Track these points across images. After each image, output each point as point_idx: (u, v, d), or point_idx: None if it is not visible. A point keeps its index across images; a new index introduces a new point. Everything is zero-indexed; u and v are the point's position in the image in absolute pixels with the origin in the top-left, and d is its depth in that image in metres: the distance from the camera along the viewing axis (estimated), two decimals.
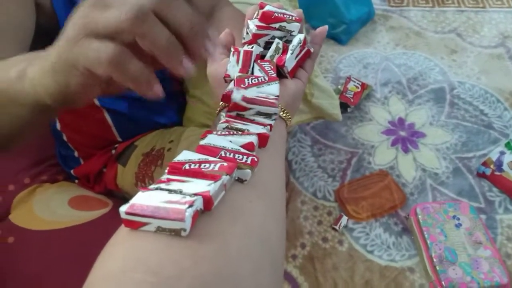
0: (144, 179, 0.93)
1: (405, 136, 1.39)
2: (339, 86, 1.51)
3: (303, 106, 1.08)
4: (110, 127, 0.94)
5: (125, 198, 1.01)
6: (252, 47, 0.50)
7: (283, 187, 0.43)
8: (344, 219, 1.17)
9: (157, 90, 0.35)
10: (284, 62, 0.48)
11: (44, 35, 0.63)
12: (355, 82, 1.51)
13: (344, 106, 1.43)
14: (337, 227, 1.16)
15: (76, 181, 1.03)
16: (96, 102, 0.87)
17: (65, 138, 0.96)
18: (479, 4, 1.88)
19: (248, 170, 0.34)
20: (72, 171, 1.01)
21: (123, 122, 0.94)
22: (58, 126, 0.95)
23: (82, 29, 0.32)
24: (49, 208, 0.92)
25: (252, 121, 0.41)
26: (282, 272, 0.36)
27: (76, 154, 0.99)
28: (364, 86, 1.50)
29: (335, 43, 1.73)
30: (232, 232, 0.30)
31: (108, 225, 0.91)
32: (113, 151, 0.98)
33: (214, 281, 0.27)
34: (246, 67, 0.47)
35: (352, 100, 1.46)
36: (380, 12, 1.86)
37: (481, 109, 1.45)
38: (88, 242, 0.87)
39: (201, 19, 0.34)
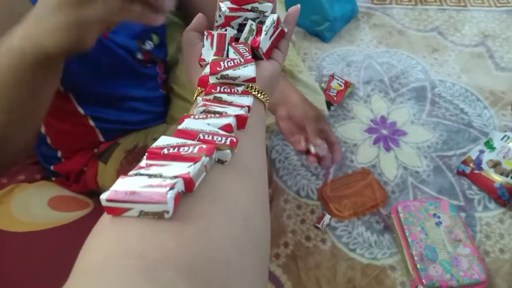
0: None
1: (386, 135, 1.40)
2: (323, 84, 1.51)
3: None
4: (95, 130, 0.92)
5: None
6: (226, 29, 0.49)
7: (265, 167, 0.43)
8: (327, 218, 1.17)
9: (160, 19, 0.44)
10: (259, 44, 0.48)
11: None
12: (338, 80, 1.51)
13: (327, 104, 1.43)
14: (320, 226, 1.16)
15: (54, 178, 1.01)
16: (82, 112, 0.86)
17: (48, 141, 0.95)
18: (461, 2, 1.90)
19: (228, 151, 0.34)
20: (52, 167, 0.99)
21: (110, 129, 0.93)
22: (43, 129, 0.93)
23: None
24: (28, 209, 0.90)
25: (230, 104, 0.41)
26: (268, 253, 0.37)
27: (59, 154, 0.97)
28: (347, 84, 1.50)
29: (318, 40, 1.73)
30: (214, 212, 0.31)
31: (89, 226, 0.89)
32: (96, 150, 0.97)
33: (199, 261, 0.27)
34: (220, 50, 0.47)
35: (335, 98, 1.46)
36: (364, 9, 1.87)
37: (461, 107, 1.47)
38: (69, 244, 0.85)
39: None
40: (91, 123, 0.90)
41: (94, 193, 1.01)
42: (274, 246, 1.14)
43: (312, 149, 0.93)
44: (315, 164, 0.98)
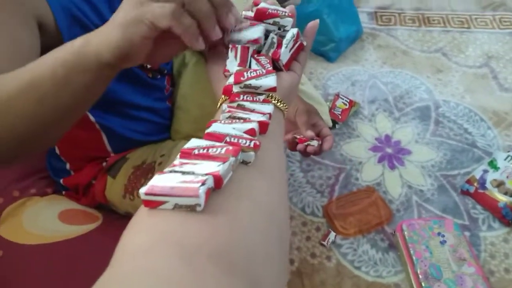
0: (133, 192, 0.94)
1: (391, 153, 1.41)
2: (328, 103, 1.54)
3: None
4: (103, 142, 0.94)
5: (114, 211, 1.02)
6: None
7: (284, 168, 0.46)
8: (332, 235, 1.18)
9: (201, 42, 0.46)
10: (279, 56, 0.51)
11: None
12: (343, 99, 1.53)
13: (332, 123, 1.45)
14: (325, 243, 1.17)
15: (64, 192, 1.03)
16: (92, 118, 0.88)
17: (57, 151, 0.97)
18: (464, 24, 1.93)
19: (252, 153, 0.38)
20: (61, 181, 1.00)
21: (117, 138, 0.95)
22: None
23: None
24: (38, 222, 0.92)
25: (253, 111, 0.44)
26: (288, 246, 0.40)
27: (67, 166, 0.99)
28: (352, 103, 1.53)
29: (324, 60, 1.77)
30: (241, 206, 0.34)
31: (98, 239, 0.91)
32: (104, 164, 0.99)
33: (229, 249, 0.29)
34: (244, 62, 0.50)
35: (340, 117, 1.48)
36: (368, 30, 1.90)
37: (465, 127, 1.49)
38: (78, 256, 0.87)
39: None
40: (99, 129, 0.91)
41: (103, 206, 1.02)
42: None
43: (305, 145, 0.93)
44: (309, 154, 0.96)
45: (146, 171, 0.94)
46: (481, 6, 2.02)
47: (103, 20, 0.76)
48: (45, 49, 0.66)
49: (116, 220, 0.98)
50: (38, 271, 0.83)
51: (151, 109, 0.97)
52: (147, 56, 0.48)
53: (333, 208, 1.24)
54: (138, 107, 0.93)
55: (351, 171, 1.36)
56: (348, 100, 1.53)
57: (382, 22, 1.96)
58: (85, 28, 0.73)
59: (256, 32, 0.50)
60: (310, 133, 0.93)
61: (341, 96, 1.55)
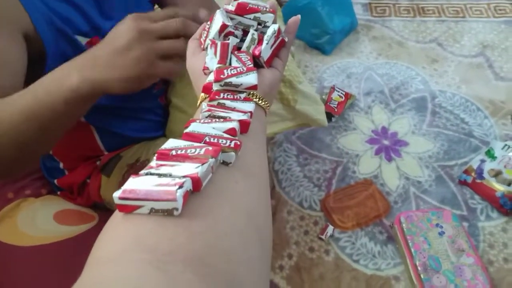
0: None
1: (388, 145, 1.41)
2: (323, 96, 1.53)
3: (287, 113, 1.09)
4: (96, 141, 0.93)
5: (110, 209, 1.01)
6: (229, 39, 0.51)
7: (266, 169, 0.45)
8: (330, 229, 1.18)
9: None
10: (260, 53, 0.50)
11: (30, 64, 0.66)
12: (339, 91, 1.53)
13: (328, 116, 1.44)
14: (323, 237, 1.17)
15: (59, 192, 1.02)
16: (82, 119, 0.87)
17: (50, 151, 0.96)
18: (459, 14, 1.92)
19: (232, 153, 0.36)
20: (55, 181, 1.00)
21: (109, 136, 0.94)
22: None
23: (150, 51, 0.56)
24: (34, 223, 0.91)
25: (233, 109, 0.43)
26: (270, 249, 0.39)
27: (61, 165, 0.98)
28: (347, 95, 1.52)
29: (319, 53, 1.76)
30: (220, 209, 0.33)
31: (94, 239, 0.90)
32: (98, 162, 0.98)
33: (207, 254, 0.28)
34: (224, 59, 0.49)
35: (336, 110, 1.47)
36: (363, 22, 1.89)
37: (462, 117, 1.48)
38: (74, 257, 0.86)
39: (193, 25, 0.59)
40: (91, 128, 0.91)
41: (98, 206, 1.02)
42: (278, 258, 1.14)
43: None
44: None
45: (140, 169, 0.93)
46: None
47: (93, 25, 0.75)
48: (33, 60, 0.67)
49: None
50: (34, 272, 0.83)
51: (142, 107, 0.96)
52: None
53: (330, 202, 1.24)
54: (128, 108, 0.93)
55: (348, 164, 1.36)
56: (344, 93, 1.52)
57: (376, 13, 1.95)
58: (69, 39, 0.72)
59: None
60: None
61: (336, 88, 1.54)
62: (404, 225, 1.13)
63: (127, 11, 0.84)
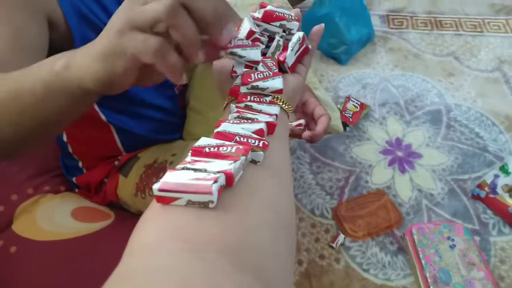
0: (145, 190, 0.95)
1: (402, 156, 1.41)
2: (338, 105, 1.54)
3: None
4: (115, 141, 0.95)
5: (126, 209, 1.03)
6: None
7: (290, 169, 0.47)
8: (341, 237, 1.18)
9: (184, 79, 0.42)
10: (285, 58, 0.52)
11: (58, 52, 0.65)
12: (354, 101, 1.54)
13: (343, 125, 1.45)
14: (334, 245, 1.17)
15: (76, 190, 1.04)
16: (103, 118, 0.89)
17: (70, 149, 0.98)
18: (477, 28, 1.92)
19: (261, 152, 0.39)
20: (74, 179, 1.02)
21: (128, 137, 0.96)
22: (65, 137, 0.97)
23: (127, 21, 0.39)
24: (51, 219, 0.93)
25: (260, 111, 0.45)
26: (294, 244, 0.41)
27: (80, 164, 1.01)
28: (362, 106, 1.53)
29: (335, 63, 1.77)
30: (251, 205, 0.35)
31: (110, 237, 0.92)
32: (116, 162, 1.00)
33: (238, 245, 0.30)
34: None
35: (351, 120, 1.48)
36: (380, 33, 1.90)
37: (476, 131, 1.48)
38: (90, 253, 0.88)
39: (223, 6, 0.41)
40: (111, 128, 0.93)
41: (114, 204, 1.04)
42: None
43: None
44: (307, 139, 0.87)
45: (158, 170, 0.95)
46: (494, 10, 2.01)
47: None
48: (57, 46, 0.67)
49: (127, 219, 0.99)
50: (51, 267, 0.85)
51: (162, 108, 0.98)
52: (135, 81, 0.44)
53: (342, 211, 1.24)
54: (149, 106, 0.94)
55: (361, 174, 1.36)
56: (359, 103, 1.53)
57: (394, 25, 1.96)
58: (94, 26, 0.74)
59: (255, 54, 0.50)
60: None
61: (352, 98, 1.55)
62: (415, 236, 1.13)
63: None
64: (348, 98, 1.55)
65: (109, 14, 0.77)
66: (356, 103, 1.53)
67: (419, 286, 1.07)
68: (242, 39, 0.49)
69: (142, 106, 0.93)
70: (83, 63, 0.43)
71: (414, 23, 1.96)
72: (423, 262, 1.08)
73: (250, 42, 0.50)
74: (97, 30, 0.73)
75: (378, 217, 1.22)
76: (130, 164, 1.00)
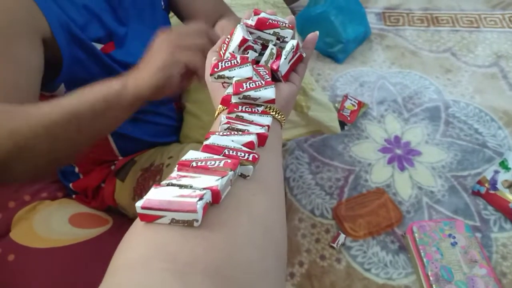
0: (142, 194, 0.94)
1: (401, 154, 1.41)
2: (336, 104, 1.53)
3: (300, 120, 1.09)
4: (111, 145, 0.95)
5: (124, 214, 1.02)
6: (248, 52, 0.52)
7: (282, 181, 0.46)
8: (342, 237, 1.18)
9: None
10: (278, 67, 0.51)
11: (47, 67, 0.68)
12: (351, 100, 1.53)
13: (341, 124, 1.44)
14: (335, 245, 1.17)
15: (74, 196, 1.03)
16: None
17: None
18: (473, 24, 1.92)
19: (250, 166, 0.37)
20: (70, 185, 1.01)
21: (124, 141, 0.95)
22: None
23: (176, 45, 0.61)
24: (49, 225, 0.92)
25: (251, 122, 0.44)
26: (285, 261, 0.39)
27: (76, 169, 1.00)
28: (360, 104, 1.52)
29: (332, 62, 1.76)
30: (238, 222, 0.33)
31: (108, 242, 0.91)
32: (113, 167, 0.99)
33: (225, 265, 0.29)
34: None
35: (349, 118, 1.48)
36: (376, 31, 1.90)
37: (475, 127, 1.47)
38: (89, 260, 0.87)
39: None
40: (109, 136, 0.92)
41: (112, 209, 1.03)
42: (289, 265, 1.15)
43: None
44: None
45: (155, 173, 0.95)
46: (490, 5, 2.01)
47: (108, 31, 0.77)
48: (49, 63, 0.68)
49: (125, 224, 0.98)
50: (49, 274, 0.84)
51: (156, 111, 0.98)
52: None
53: (342, 210, 1.24)
54: (144, 109, 0.94)
55: (360, 173, 1.36)
56: (357, 101, 1.53)
57: (390, 22, 1.95)
58: (84, 46, 0.74)
59: (246, 71, 0.49)
60: None
61: (349, 97, 1.54)
62: (416, 234, 1.12)
63: (141, 17, 0.86)
64: (345, 97, 1.55)
65: (103, 25, 0.76)
66: (354, 101, 1.53)
67: (421, 284, 1.07)
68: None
69: (138, 109, 0.93)
70: (141, 79, 0.60)
71: (411, 20, 1.96)
72: (424, 260, 1.07)
73: (239, 59, 0.48)
74: (86, 48, 0.74)
75: (379, 216, 1.22)
76: (126, 169, 0.99)
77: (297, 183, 1.34)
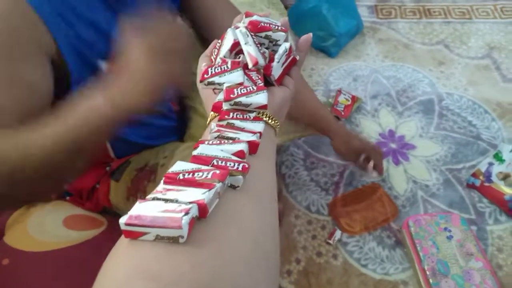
0: (136, 194, 0.94)
1: (395, 148, 1.41)
2: (330, 99, 1.53)
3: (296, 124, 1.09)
4: (106, 147, 0.94)
5: (118, 214, 1.01)
6: (240, 57, 0.51)
7: (274, 191, 0.45)
8: (338, 233, 1.18)
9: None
10: (271, 71, 0.49)
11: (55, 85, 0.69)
12: (345, 95, 1.53)
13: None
14: (331, 241, 1.17)
15: (68, 197, 1.02)
16: None
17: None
18: (465, 15, 1.92)
19: (240, 177, 0.36)
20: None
21: (120, 143, 0.94)
22: None
23: (157, 52, 0.60)
24: (43, 228, 0.92)
25: (243, 129, 0.43)
26: (278, 271, 0.38)
27: None
28: (354, 98, 1.52)
29: (325, 56, 1.75)
30: (226, 236, 0.32)
31: (103, 244, 0.91)
32: (108, 168, 0.99)
33: (212, 282, 0.28)
34: None
35: (343, 113, 1.47)
36: (369, 24, 1.89)
37: (469, 120, 1.48)
38: (84, 262, 0.87)
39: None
40: None
41: (107, 211, 1.02)
42: (286, 263, 1.14)
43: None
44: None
45: (149, 173, 0.94)
46: None
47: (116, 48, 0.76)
48: (57, 80, 0.69)
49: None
50: (45, 278, 0.83)
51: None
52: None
53: (338, 206, 1.24)
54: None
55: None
56: (351, 96, 1.52)
57: (382, 15, 1.95)
58: (90, 66, 0.73)
59: (237, 76, 0.47)
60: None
61: (343, 92, 1.54)
62: (412, 229, 1.12)
63: None
64: (339, 92, 1.54)
65: (111, 42, 0.75)
66: (348, 96, 1.52)
67: (418, 279, 1.07)
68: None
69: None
70: (129, 100, 0.60)
71: (403, 12, 1.95)
72: (421, 254, 1.08)
73: (230, 64, 0.47)
74: (90, 65, 0.74)
75: (374, 211, 1.22)
76: (121, 169, 0.98)
77: (292, 179, 1.34)
